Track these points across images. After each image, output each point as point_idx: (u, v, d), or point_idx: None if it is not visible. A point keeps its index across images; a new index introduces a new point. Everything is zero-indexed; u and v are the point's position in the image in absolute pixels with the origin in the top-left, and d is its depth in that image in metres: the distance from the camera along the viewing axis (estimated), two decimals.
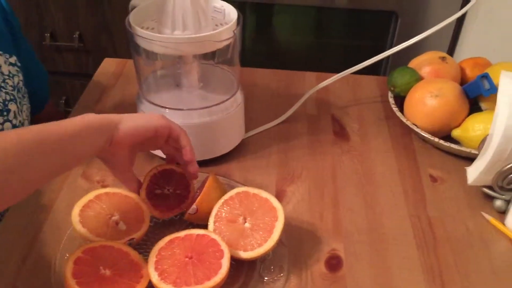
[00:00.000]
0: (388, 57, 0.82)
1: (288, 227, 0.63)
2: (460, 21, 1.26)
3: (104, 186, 0.71)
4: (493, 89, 0.75)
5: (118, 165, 0.60)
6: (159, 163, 0.66)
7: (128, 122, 0.57)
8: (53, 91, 1.46)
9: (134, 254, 0.56)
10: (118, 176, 0.62)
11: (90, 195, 0.62)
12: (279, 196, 0.71)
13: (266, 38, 1.41)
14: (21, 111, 0.75)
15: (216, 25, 0.71)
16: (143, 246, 0.61)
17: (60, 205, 0.68)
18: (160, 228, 0.65)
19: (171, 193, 0.64)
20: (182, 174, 0.65)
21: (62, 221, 0.65)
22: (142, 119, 0.59)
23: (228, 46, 0.68)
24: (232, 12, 0.71)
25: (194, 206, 0.62)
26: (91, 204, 0.61)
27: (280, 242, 0.60)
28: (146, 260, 0.56)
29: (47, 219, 0.66)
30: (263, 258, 0.60)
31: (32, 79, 0.82)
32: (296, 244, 0.64)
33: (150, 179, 0.64)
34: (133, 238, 0.59)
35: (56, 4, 1.33)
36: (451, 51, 1.30)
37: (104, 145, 0.55)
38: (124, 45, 1.38)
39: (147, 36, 0.65)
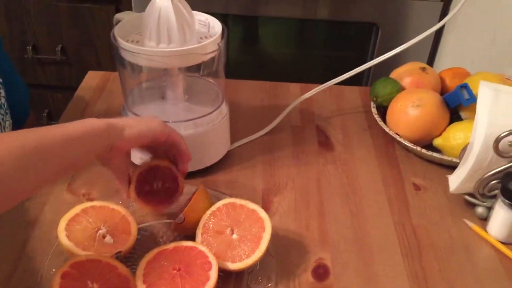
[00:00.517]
0: (369, 68, 0.84)
1: (275, 238, 0.63)
2: (439, 32, 1.30)
3: (90, 200, 0.70)
4: (473, 99, 0.77)
5: (115, 169, 0.60)
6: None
7: (132, 128, 0.57)
8: (36, 104, 1.45)
9: (121, 268, 0.56)
10: (116, 180, 0.61)
11: (77, 209, 0.61)
12: (266, 206, 0.71)
13: (250, 50, 1.42)
14: (4, 128, 0.74)
15: (201, 38, 0.71)
16: (131, 259, 0.61)
17: (45, 219, 0.67)
18: (147, 241, 0.64)
19: (161, 188, 0.65)
20: (168, 168, 0.65)
21: (48, 236, 0.64)
22: (144, 125, 0.59)
23: (213, 58, 0.69)
24: (216, 25, 0.71)
25: (181, 215, 0.62)
26: (77, 218, 0.61)
27: (267, 253, 0.60)
28: (134, 273, 0.56)
29: (32, 234, 0.65)
30: (250, 269, 0.60)
31: (12, 94, 0.81)
32: (283, 254, 0.64)
33: (137, 178, 0.64)
34: (120, 251, 0.59)
35: (38, 17, 1.33)
36: (430, 61, 1.33)
37: (106, 150, 0.55)
38: (108, 58, 1.38)
39: (132, 49, 0.65)
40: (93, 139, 0.53)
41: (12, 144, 0.46)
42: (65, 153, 0.51)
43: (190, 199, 0.64)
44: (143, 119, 0.64)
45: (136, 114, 0.73)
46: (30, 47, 1.36)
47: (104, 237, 0.60)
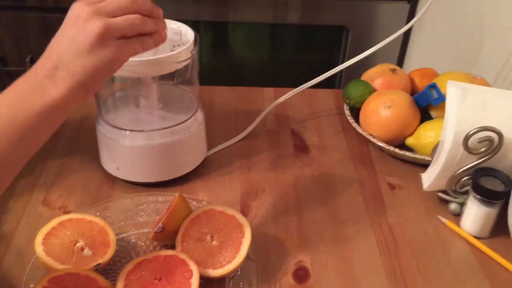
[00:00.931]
0: (341, 70, 0.85)
1: (255, 242, 0.64)
2: (407, 33, 1.33)
3: (66, 212, 0.70)
4: (441, 98, 0.79)
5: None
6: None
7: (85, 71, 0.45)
8: None
9: (101, 280, 0.56)
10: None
11: (53, 222, 0.61)
12: (244, 211, 0.72)
13: (221, 56, 1.43)
14: None
15: (174, 46, 0.71)
16: (110, 271, 0.61)
17: (21, 234, 0.66)
18: (126, 252, 0.64)
19: None
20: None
21: (24, 251, 0.63)
22: (85, 57, 0.45)
23: (186, 66, 0.69)
24: (188, 33, 0.72)
25: (160, 224, 0.62)
26: (54, 231, 0.60)
27: (248, 258, 0.60)
28: (114, 285, 0.56)
29: (8, 249, 0.64)
30: (232, 275, 0.61)
31: None
32: (264, 258, 0.65)
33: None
34: (99, 264, 0.58)
35: (5, 29, 1.30)
36: (400, 62, 1.36)
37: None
38: None
39: None
40: (62, 117, 0.46)
41: None
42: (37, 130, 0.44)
43: (168, 208, 0.64)
44: (69, 34, 0.47)
45: (111, 125, 0.72)
46: None
47: (82, 249, 0.59)
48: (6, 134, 0.42)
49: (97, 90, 0.52)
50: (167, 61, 0.66)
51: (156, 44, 0.52)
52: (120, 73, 0.66)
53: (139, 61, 0.65)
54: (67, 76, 0.44)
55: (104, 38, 0.46)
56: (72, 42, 0.46)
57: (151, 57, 0.66)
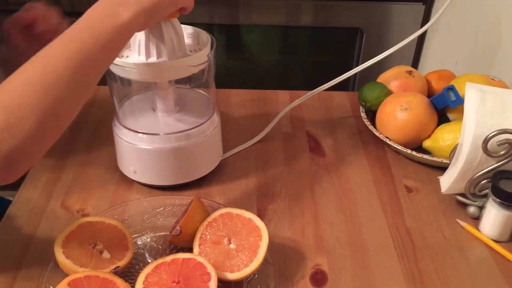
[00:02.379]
0: (355, 72, 0.85)
1: (272, 245, 0.64)
2: (423, 35, 1.32)
3: (84, 215, 0.70)
4: (459, 100, 0.78)
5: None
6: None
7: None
8: None
9: (120, 283, 0.56)
10: None
11: (72, 225, 0.61)
12: (261, 214, 0.72)
13: (235, 58, 1.43)
14: None
15: (190, 51, 0.72)
16: (128, 274, 0.61)
17: (40, 237, 0.67)
18: (144, 255, 0.64)
19: None
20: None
21: (44, 254, 0.64)
22: None
23: (203, 70, 0.70)
24: (204, 36, 0.72)
25: (177, 227, 0.62)
26: (73, 234, 0.61)
27: (265, 261, 0.60)
28: (133, 287, 0.56)
29: (27, 252, 0.65)
30: (249, 278, 0.61)
31: None
32: (281, 261, 0.65)
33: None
34: (118, 266, 0.59)
35: None
36: (415, 64, 1.35)
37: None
38: None
39: (123, 64, 0.65)
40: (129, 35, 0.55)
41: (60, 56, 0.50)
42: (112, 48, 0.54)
43: (185, 211, 0.64)
44: None
45: (127, 128, 0.73)
46: None
47: (101, 252, 0.60)
48: (92, 46, 0.52)
49: (155, 22, 0.60)
50: (184, 65, 0.66)
51: (190, 7, 0.62)
52: (138, 77, 0.67)
53: (157, 65, 0.66)
54: (137, 4, 0.54)
55: None
56: None
57: (168, 61, 0.66)
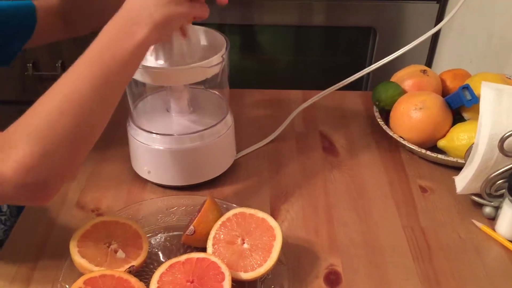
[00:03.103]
0: (368, 72, 0.85)
1: (285, 245, 0.63)
2: (437, 34, 1.30)
3: (99, 215, 0.71)
4: (475, 100, 0.77)
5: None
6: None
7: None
8: None
9: (135, 282, 0.56)
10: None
11: (87, 225, 0.62)
12: (274, 214, 0.72)
13: (248, 58, 1.43)
14: None
15: (205, 53, 0.72)
16: (143, 273, 0.62)
17: (56, 237, 0.68)
18: (158, 254, 0.65)
19: None
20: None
21: (59, 253, 0.64)
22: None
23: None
24: (218, 38, 0.72)
25: (191, 227, 0.62)
26: (88, 233, 0.61)
27: (279, 261, 0.60)
28: (147, 287, 0.56)
29: (43, 251, 0.65)
30: (263, 278, 0.61)
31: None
32: (294, 261, 0.64)
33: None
34: (133, 266, 0.59)
35: None
36: (429, 63, 1.34)
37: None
38: None
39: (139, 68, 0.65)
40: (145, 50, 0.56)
41: (83, 77, 0.53)
42: (129, 70, 0.56)
43: (199, 211, 0.64)
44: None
45: (141, 128, 0.73)
46: (31, 64, 1.36)
47: (116, 252, 0.60)
48: (113, 66, 0.54)
49: (169, 34, 0.62)
50: (198, 67, 0.66)
51: (204, 16, 0.61)
52: (153, 80, 0.67)
53: (171, 69, 0.66)
54: (150, 21, 0.55)
55: None
56: None
57: (183, 66, 0.66)
